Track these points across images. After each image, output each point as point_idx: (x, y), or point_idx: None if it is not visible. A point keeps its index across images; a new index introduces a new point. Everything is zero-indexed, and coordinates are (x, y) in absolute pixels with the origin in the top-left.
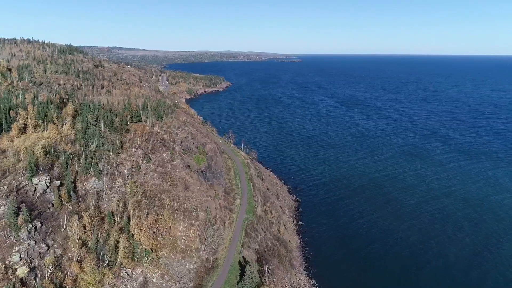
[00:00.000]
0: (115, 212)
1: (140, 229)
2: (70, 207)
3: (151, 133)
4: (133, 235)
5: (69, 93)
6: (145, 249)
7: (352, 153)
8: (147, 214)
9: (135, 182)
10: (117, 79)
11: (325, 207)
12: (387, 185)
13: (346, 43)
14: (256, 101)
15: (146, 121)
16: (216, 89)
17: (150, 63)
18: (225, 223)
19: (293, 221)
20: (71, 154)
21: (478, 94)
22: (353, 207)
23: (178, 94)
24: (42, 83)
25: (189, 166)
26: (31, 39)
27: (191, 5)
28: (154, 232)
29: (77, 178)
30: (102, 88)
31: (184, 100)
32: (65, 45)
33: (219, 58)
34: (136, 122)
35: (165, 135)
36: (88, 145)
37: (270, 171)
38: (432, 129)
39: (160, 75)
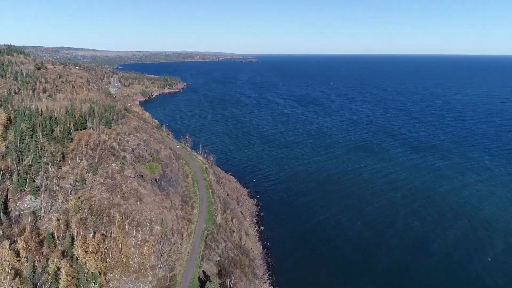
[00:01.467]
0: (55, 234)
1: (86, 251)
2: (0, 232)
3: (98, 141)
4: (77, 258)
5: (1, 99)
6: (92, 273)
7: (309, 151)
8: (94, 232)
9: (79, 198)
10: (62, 82)
11: (286, 209)
12: (343, 181)
13: (303, 43)
14: (213, 102)
15: (92, 128)
16: (172, 90)
17: (101, 64)
18: (182, 235)
19: (255, 227)
20: (1, 170)
21: (425, 91)
22: (311, 207)
23: (131, 96)
24: None
25: (142, 175)
26: None
27: (144, 3)
28: (102, 253)
29: (9, 197)
30: (44, 92)
31: (138, 103)
32: (4, 45)
33: (175, 59)
34: (80, 130)
35: (114, 143)
36: (22, 158)
37: (230, 174)
38: (383, 125)
39: (112, 77)
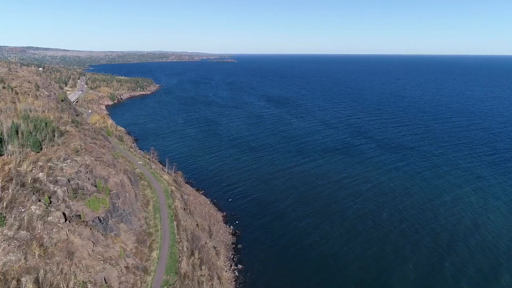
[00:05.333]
0: None
1: None
2: None
3: (15, 173)
4: None
5: None
6: None
7: (287, 157)
8: None
9: None
10: (4, 88)
11: (267, 236)
12: (328, 193)
13: (281, 43)
14: (186, 104)
15: (12, 155)
16: (144, 93)
17: (70, 65)
18: None
19: (231, 266)
20: None
21: (402, 91)
22: (297, 230)
23: (97, 101)
24: None
25: (79, 216)
26: None
27: (118, 3)
28: None
29: None
30: None
31: (104, 107)
32: None
33: (149, 59)
34: None
35: (40, 174)
36: None
37: (202, 193)
38: (361, 127)
39: (79, 79)
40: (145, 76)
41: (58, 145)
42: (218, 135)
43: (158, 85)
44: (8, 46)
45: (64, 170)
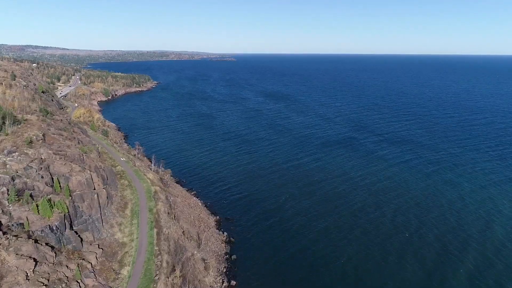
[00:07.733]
0: None
1: None
2: None
3: None
4: None
5: None
6: None
7: (288, 154)
8: None
9: None
10: None
11: (266, 244)
12: (332, 191)
13: (280, 42)
14: (182, 99)
15: None
16: (140, 89)
17: (69, 62)
18: None
19: (222, 282)
20: None
21: (403, 88)
22: (300, 236)
23: (88, 96)
24: None
25: (22, 225)
26: None
27: (119, 2)
28: None
29: None
30: None
31: (96, 103)
32: None
33: (149, 58)
34: None
35: None
36: None
37: (193, 194)
38: (363, 122)
39: (73, 75)
40: (143, 73)
41: (7, 134)
42: (214, 131)
43: (155, 82)
44: (6, 45)
45: (8, 166)
